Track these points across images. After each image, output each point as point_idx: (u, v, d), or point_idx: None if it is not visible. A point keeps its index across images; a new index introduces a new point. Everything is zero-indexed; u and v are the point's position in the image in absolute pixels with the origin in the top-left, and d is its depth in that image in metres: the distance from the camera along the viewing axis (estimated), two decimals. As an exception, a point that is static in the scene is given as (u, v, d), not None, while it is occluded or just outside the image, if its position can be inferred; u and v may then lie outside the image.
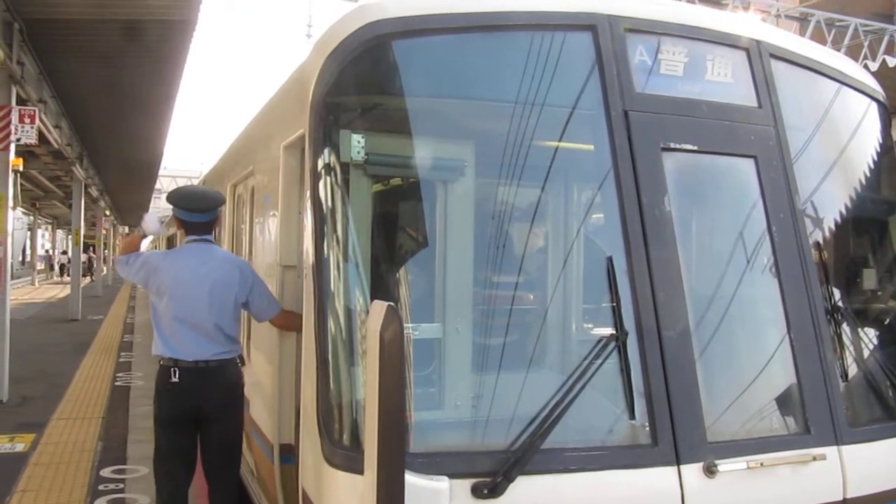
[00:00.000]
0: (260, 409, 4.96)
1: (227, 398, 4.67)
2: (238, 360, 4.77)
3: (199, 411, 4.62)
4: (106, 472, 7.38)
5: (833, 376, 3.48)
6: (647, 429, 3.14)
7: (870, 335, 3.96)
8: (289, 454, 4.25)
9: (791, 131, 3.73)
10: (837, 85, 4.09)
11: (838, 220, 4.01)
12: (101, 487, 6.92)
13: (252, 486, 5.73)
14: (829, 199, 3.99)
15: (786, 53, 3.89)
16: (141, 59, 13.03)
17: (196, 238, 4.80)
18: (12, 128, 11.14)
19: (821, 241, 3.77)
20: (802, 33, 21.33)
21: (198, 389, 4.56)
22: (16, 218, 11.88)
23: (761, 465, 3.18)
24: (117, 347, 16.83)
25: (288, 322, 4.39)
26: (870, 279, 4.13)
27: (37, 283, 44.78)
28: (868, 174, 4.20)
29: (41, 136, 13.70)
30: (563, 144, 3.47)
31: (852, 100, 4.16)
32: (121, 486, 6.97)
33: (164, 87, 15.26)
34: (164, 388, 4.63)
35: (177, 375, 4.53)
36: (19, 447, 8.36)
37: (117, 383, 12.34)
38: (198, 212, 4.78)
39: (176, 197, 4.88)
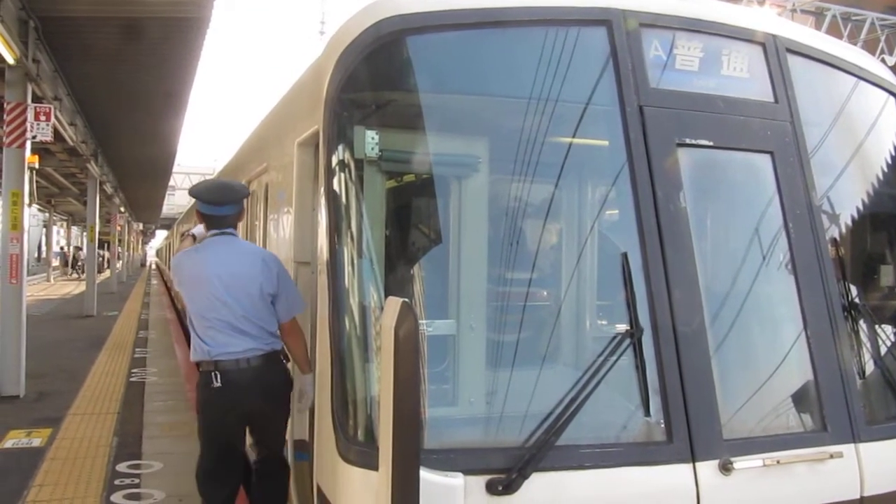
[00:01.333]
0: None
1: (273, 401, 4.44)
2: (282, 357, 4.56)
3: (245, 416, 4.47)
4: (122, 467, 7.44)
5: (850, 373, 3.45)
6: (663, 425, 3.14)
7: (887, 332, 3.93)
8: (303, 450, 4.27)
9: (808, 126, 3.71)
10: (854, 80, 4.06)
11: (855, 216, 3.98)
12: (116, 482, 6.97)
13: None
14: (847, 194, 3.96)
15: (802, 48, 3.86)
16: (155, 57, 13.09)
17: (217, 232, 4.66)
18: (28, 125, 11.24)
19: (838, 238, 3.75)
20: (818, 28, 21.14)
21: (242, 393, 4.33)
22: (31, 215, 11.98)
23: (777, 462, 3.17)
24: (132, 343, 16.94)
25: (294, 333, 4.33)
26: (887, 276, 4.10)
27: (52, 280, 45.15)
28: (886, 169, 4.16)
29: (56, 133, 13.79)
30: (577, 140, 3.47)
31: (869, 94, 4.12)
32: (136, 480, 7.02)
33: (178, 84, 15.32)
34: (207, 396, 4.42)
35: (218, 380, 4.33)
36: (36, 442, 8.44)
37: (132, 379, 12.41)
38: (218, 204, 4.63)
39: (197, 190, 4.78)
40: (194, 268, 4.58)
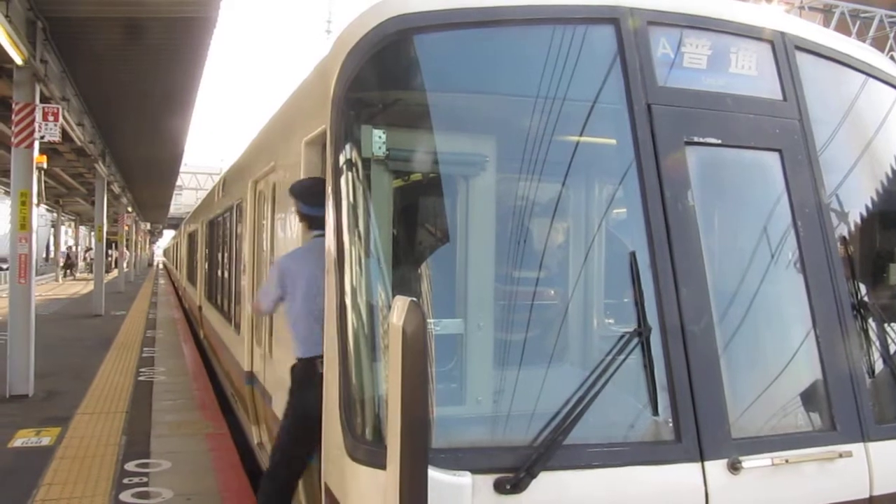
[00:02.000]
0: (282, 404, 4.97)
1: None
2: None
3: None
4: (130, 466, 7.47)
5: (860, 372, 3.44)
6: (671, 425, 3.13)
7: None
8: None
9: (817, 124, 3.69)
10: (864, 77, 4.04)
11: (865, 214, 3.95)
12: (125, 481, 7.00)
13: None
14: (856, 193, 3.94)
15: (811, 45, 3.84)
16: (162, 57, 13.14)
17: (321, 233, 4.38)
18: (36, 125, 11.28)
19: (847, 236, 3.73)
20: (826, 25, 21.04)
21: None
22: (39, 215, 11.98)
23: (786, 461, 3.16)
24: (140, 343, 17.01)
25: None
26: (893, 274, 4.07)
27: (60, 280, 45.32)
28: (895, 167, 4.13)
29: (64, 133, 13.86)
30: (585, 139, 3.46)
31: (879, 92, 4.10)
32: (145, 479, 7.05)
33: (185, 84, 15.37)
34: (313, 379, 4.22)
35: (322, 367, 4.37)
36: (45, 441, 8.48)
37: (140, 378, 12.47)
38: (320, 205, 4.53)
39: (299, 190, 4.55)
40: (307, 266, 4.47)
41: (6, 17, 9.38)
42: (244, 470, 7.31)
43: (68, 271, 47.40)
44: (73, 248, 60.82)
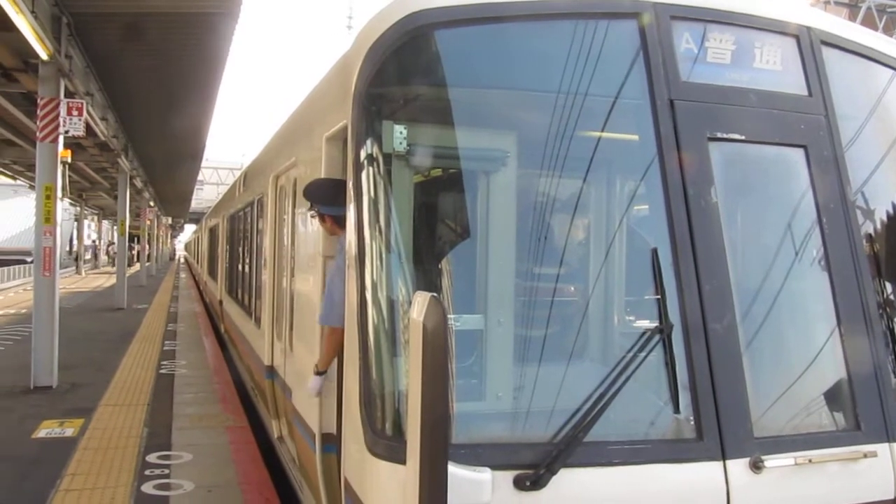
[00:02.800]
0: (302, 398, 4.99)
1: None
2: None
3: None
4: (152, 458, 7.56)
5: (885, 372, 3.39)
6: (692, 423, 3.11)
7: None
8: (330, 443, 4.29)
9: (843, 120, 3.65)
10: (892, 72, 3.98)
11: (892, 211, 3.90)
12: (147, 472, 7.08)
13: (294, 475, 5.81)
14: (884, 190, 3.89)
15: (837, 40, 3.79)
16: (184, 52, 13.24)
17: None
18: (61, 120, 11.40)
19: (873, 234, 3.68)
20: (852, 20, 20.75)
21: None
22: (63, 209, 12.11)
23: (810, 461, 3.13)
24: (161, 336, 17.18)
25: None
26: None
27: (83, 273, 45.86)
28: None
29: (88, 128, 14.00)
30: (606, 135, 3.44)
31: None
32: (166, 471, 7.12)
33: (207, 78, 15.49)
34: None
35: None
36: (69, 432, 8.60)
37: (162, 371, 12.59)
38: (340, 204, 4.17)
39: (317, 193, 4.33)
40: None
41: (32, 12, 9.49)
42: (264, 463, 7.37)
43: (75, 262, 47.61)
44: (96, 242, 61.49)
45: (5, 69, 13.11)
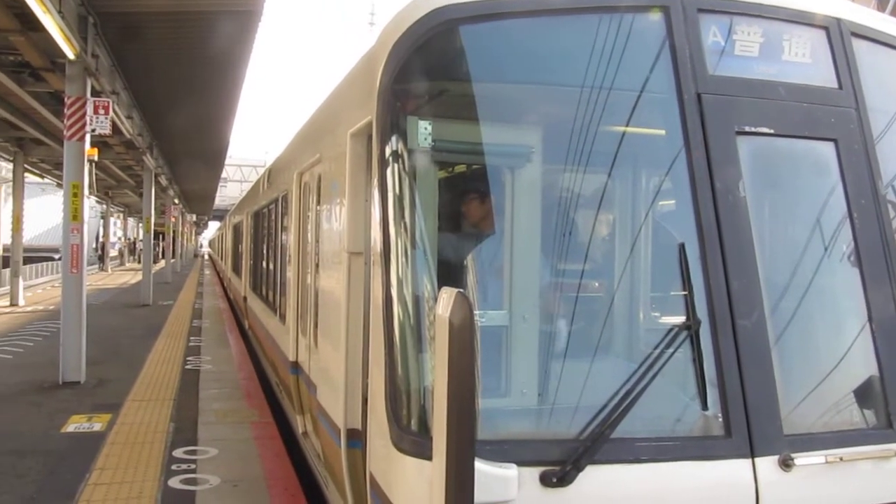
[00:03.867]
0: (327, 394, 5.01)
1: None
2: None
3: None
4: (178, 453, 7.64)
5: None
6: (721, 420, 3.08)
7: None
8: (355, 439, 4.31)
9: (874, 113, 3.59)
10: None
11: None
12: (173, 467, 7.17)
13: (319, 470, 5.84)
14: None
15: (869, 31, 3.73)
16: (208, 50, 13.33)
17: None
18: (87, 119, 11.55)
19: None
20: (881, 10, 20.41)
21: None
22: (90, 206, 12.28)
23: (841, 459, 3.09)
24: (187, 332, 17.36)
25: None
26: None
27: (110, 270, 46.43)
28: None
29: (114, 126, 14.15)
30: (632, 129, 3.40)
31: None
32: (192, 466, 7.20)
33: (230, 76, 15.60)
34: None
35: None
36: (97, 427, 8.72)
37: (187, 367, 12.72)
38: None
39: None
40: None
41: (59, 12, 9.61)
42: (289, 458, 7.41)
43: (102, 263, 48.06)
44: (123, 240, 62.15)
45: (33, 69, 13.31)
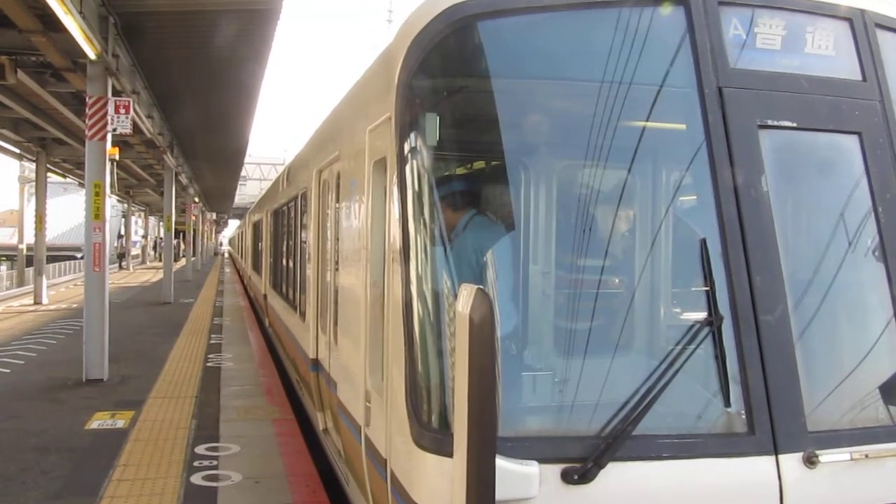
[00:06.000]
0: (348, 391, 5.04)
1: None
2: None
3: None
4: (200, 450, 7.70)
5: None
6: (744, 416, 3.06)
7: None
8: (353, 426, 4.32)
9: None
10: None
11: None
12: (195, 464, 7.22)
13: (340, 467, 5.86)
14: None
15: (893, 23, 3.69)
16: (227, 49, 13.41)
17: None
18: (109, 118, 11.64)
19: None
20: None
21: None
22: (111, 205, 12.43)
23: (866, 456, 3.06)
24: (208, 329, 17.49)
25: None
26: None
27: (131, 268, 46.88)
28: None
29: (134, 125, 14.27)
30: (653, 124, 3.38)
31: None
32: (214, 462, 7.25)
33: (249, 75, 15.67)
34: None
35: None
36: (120, 423, 8.82)
37: (209, 364, 12.82)
38: None
39: None
40: None
41: (80, 13, 9.70)
42: (310, 455, 7.45)
43: (121, 262, 48.45)
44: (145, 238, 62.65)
45: (55, 69, 13.45)
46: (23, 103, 17.06)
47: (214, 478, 6.81)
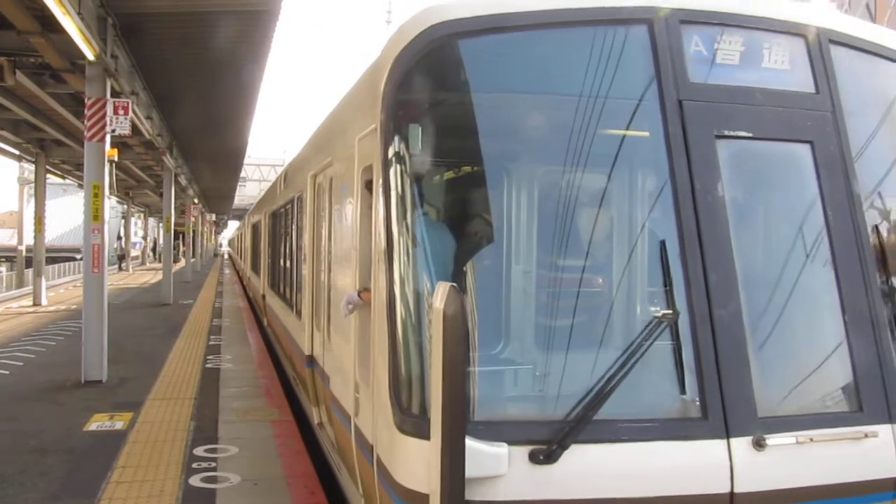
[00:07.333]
0: (339, 385, 5.31)
1: None
2: None
3: None
4: (199, 451, 7.78)
5: (888, 356, 3.57)
6: (698, 403, 3.35)
7: None
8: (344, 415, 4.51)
9: (851, 116, 3.81)
10: None
11: None
12: (194, 465, 7.29)
13: (333, 458, 6.16)
14: (892, 182, 4.04)
15: (846, 38, 3.96)
16: (227, 50, 13.52)
17: None
18: (107, 119, 11.72)
19: (878, 224, 3.84)
20: None
21: None
22: (110, 207, 12.43)
23: (811, 440, 3.34)
24: (207, 331, 17.62)
25: None
26: None
27: (131, 269, 46.92)
28: None
29: (133, 127, 14.37)
30: (618, 134, 3.69)
31: None
32: (213, 464, 7.32)
33: (249, 76, 15.78)
34: None
35: None
36: (118, 425, 8.88)
37: (208, 365, 12.93)
38: None
39: None
40: None
41: (79, 13, 9.76)
42: (309, 456, 7.48)
43: (121, 264, 48.40)
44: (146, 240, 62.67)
45: (54, 70, 13.54)
46: (22, 104, 17.17)
47: (213, 479, 6.85)
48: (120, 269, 46.87)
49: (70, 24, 9.70)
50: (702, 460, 3.27)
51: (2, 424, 8.92)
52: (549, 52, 3.68)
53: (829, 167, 3.69)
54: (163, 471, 7.11)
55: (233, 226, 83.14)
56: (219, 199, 55.38)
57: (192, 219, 41.39)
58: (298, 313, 8.45)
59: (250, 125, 22.75)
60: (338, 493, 6.16)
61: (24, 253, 35.04)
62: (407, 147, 3.46)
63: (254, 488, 6.62)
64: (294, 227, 9.67)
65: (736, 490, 3.24)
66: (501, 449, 3.09)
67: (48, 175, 26.50)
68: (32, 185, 28.37)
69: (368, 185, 4.34)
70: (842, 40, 3.92)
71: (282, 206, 11.61)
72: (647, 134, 3.67)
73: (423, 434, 3.08)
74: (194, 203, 41.44)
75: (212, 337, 16.51)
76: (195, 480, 6.84)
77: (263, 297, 15.39)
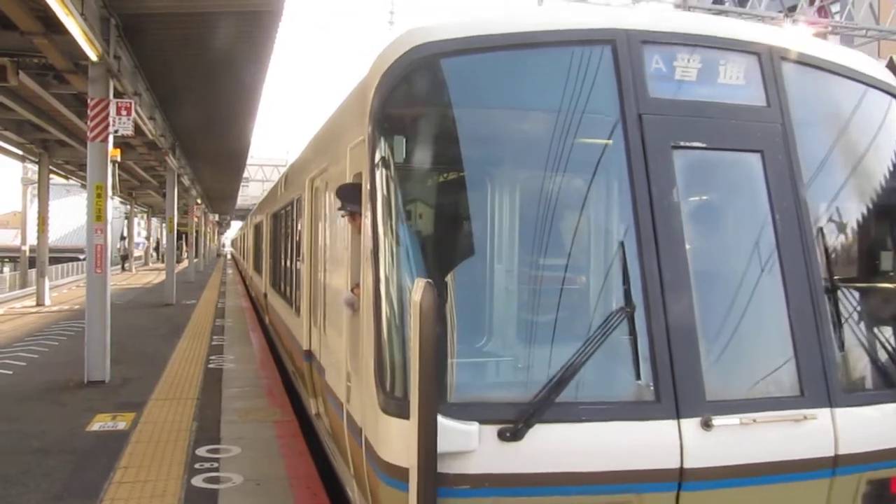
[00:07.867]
0: (333, 376, 5.69)
1: None
2: None
3: None
4: (201, 451, 7.89)
5: (829, 346, 3.97)
6: (651, 388, 3.76)
7: (867, 311, 4.40)
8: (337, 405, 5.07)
9: (800, 127, 4.18)
10: (852, 83, 4.48)
11: (844, 207, 4.44)
12: (196, 466, 7.41)
13: (328, 445, 6.50)
14: (837, 188, 4.43)
15: (796, 56, 4.34)
16: (229, 50, 13.63)
17: None
18: (110, 120, 11.86)
19: (824, 227, 4.22)
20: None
21: None
22: (113, 207, 12.47)
23: (754, 421, 3.74)
24: (209, 331, 17.79)
25: None
26: (870, 259, 4.58)
27: (134, 270, 47.01)
28: (879, 165, 4.59)
29: (136, 127, 14.45)
30: (584, 145, 4.06)
31: (869, 96, 4.53)
32: (215, 465, 7.43)
33: (252, 76, 15.88)
34: None
35: None
36: (121, 425, 8.98)
37: (210, 366, 13.07)
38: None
39: (351, 193, 4.74)
40: None
41: (81, 14, 9.82)
42: (311, 457, 7.50)
43: (124, 264, 48.46)
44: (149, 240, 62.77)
45: (57, 71, 13.65)
46: (25, 105, 17.31)
47: (215, 480, 6.96)
48: (123, 269, 47.03)
49: (73, 25, 9.78)
50: (655, 439, 3.68)
51: (5, 425, 9.12)
52: (522, 70, 4.12)
53: (777, 175, 4.09)
54: (165, 471, 7.22)
55: (236, 226, 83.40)
56: (222, 200, 55.55)
57: (195, 219, 41.55)
58: (297, 310, 8.77)
59: (253, 125, 22.88)
60: (340, 495, 6.17)
61: (27, 253, 35.21)
62: (392, 156, 3.89)
63: (256, 489, 6.74)
64: (293, 227, 10.01)
65: (685, 466, 3.65)
66: (472, 427, 3.51)
67: (51, 175, 26.66)
68: (36, 185, 28.44)
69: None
70: (792, 57, 4.31)
71: (282, 208, 11.97)
72: (610, 143, 4.06)
73: (404, 414, 3.51)
74: (197, 203, 41.60)
75: (214, 337, 16.71)
76: (197, 481, 6.97)
77: (265, 295, 15.68)
